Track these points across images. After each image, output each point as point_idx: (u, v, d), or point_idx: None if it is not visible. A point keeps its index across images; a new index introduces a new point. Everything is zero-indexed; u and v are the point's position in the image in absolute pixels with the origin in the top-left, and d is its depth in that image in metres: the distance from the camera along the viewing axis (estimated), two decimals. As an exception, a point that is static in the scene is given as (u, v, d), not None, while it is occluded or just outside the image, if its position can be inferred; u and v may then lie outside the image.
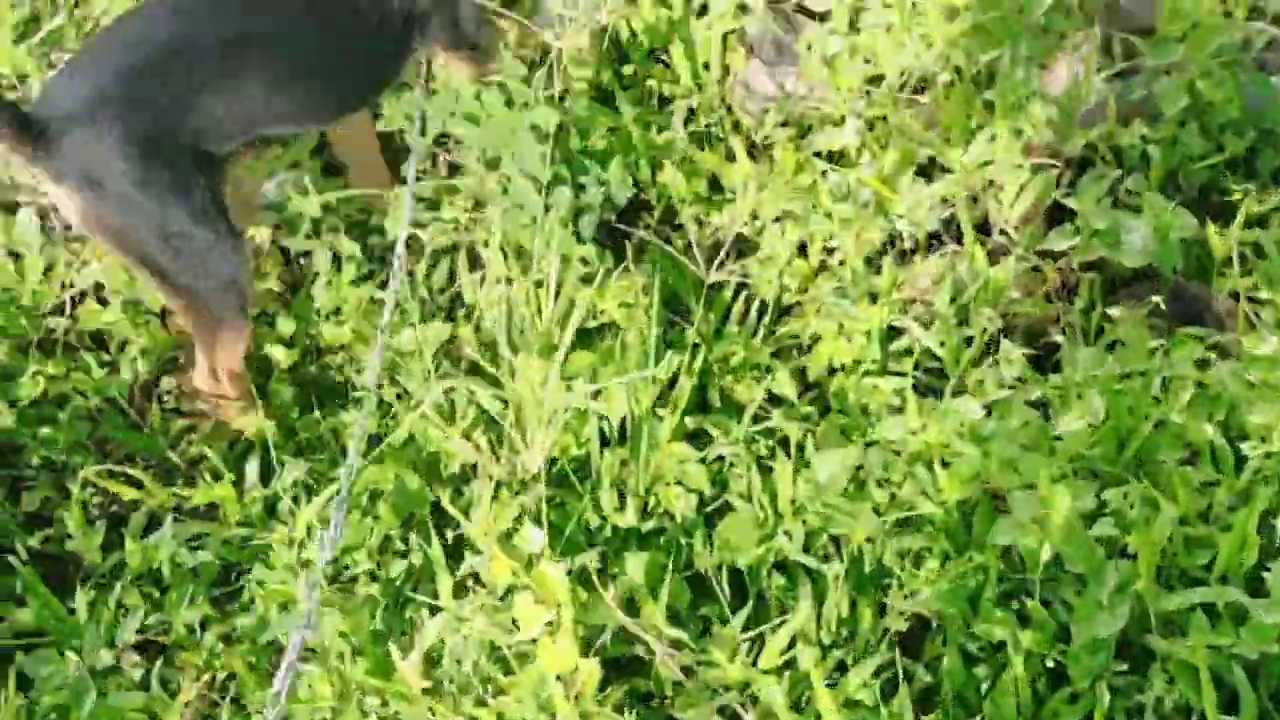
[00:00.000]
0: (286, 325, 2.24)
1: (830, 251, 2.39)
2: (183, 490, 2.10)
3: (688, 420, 2.03)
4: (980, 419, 1.93)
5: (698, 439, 2.06)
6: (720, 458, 2.00)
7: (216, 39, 1.96)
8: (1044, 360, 2.22)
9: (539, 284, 2.00)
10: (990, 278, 2.23)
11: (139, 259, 1.96)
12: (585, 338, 2.09)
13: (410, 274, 2.40)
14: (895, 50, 2.56)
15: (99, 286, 2.34)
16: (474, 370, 2.14)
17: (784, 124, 2.64)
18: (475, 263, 2.34)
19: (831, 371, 2.24)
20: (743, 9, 2.67)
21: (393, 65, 2.25)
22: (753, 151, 2.65)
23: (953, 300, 2.24)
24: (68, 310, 2.28)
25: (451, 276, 2.38)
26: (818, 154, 2.54)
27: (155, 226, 1.91)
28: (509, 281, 2.14)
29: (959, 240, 2.38)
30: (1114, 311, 2.03)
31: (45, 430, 2.16)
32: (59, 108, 1.81)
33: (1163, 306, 2.18)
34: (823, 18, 2.75)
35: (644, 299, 2.05)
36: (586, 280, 2.06)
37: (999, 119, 2.36)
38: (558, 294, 2.08)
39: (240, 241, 2.04)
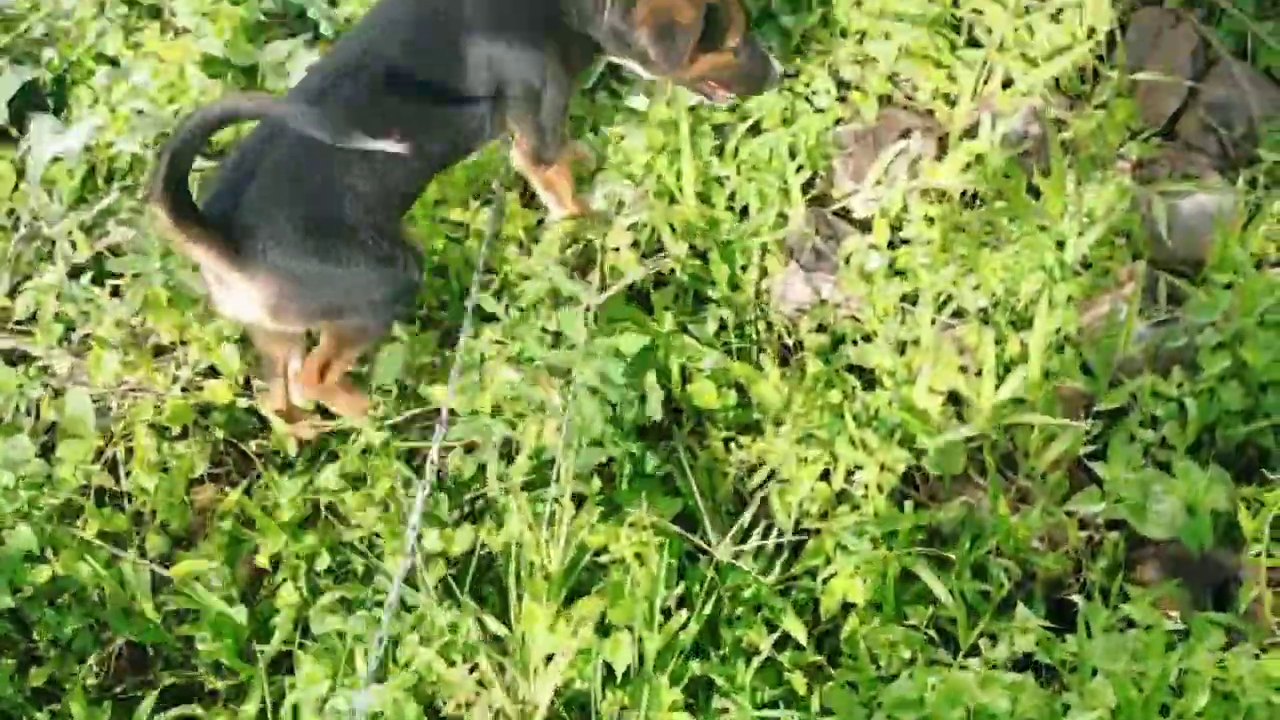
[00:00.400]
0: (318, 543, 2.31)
1: (853, 476, 2.41)
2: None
3: (693, 664, 2.05)
4: (989, 699, 1.93)
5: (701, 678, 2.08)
6: (724, 709, 2.02)
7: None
8: (1062, 611, 2.22)
9: (552, 519, 2.03)
10: (1011, 527, 2.24)
11: (328, 318, 2.26)
12: (598, 569, 2.13)
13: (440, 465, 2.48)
14: (933, 271, 2.60)
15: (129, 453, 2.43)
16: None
17: (819, 328, 2.68)
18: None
19: (846, 606, 2.25)
20: (784, 217, 2.73)
21: (476, 134, 2.39)
22: (784, 353, 2.69)
23: (973, 544, 2.25)
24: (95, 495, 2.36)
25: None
26: (849, 368, 2.58)
27: (344, 283, 2.20)
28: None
29: (983, 470, 2.40)
30: (1131, 608, 2.01)
31: (52, 612, 2.22)
32: (236, 209, 2.09)
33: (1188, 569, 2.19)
34: (864, 225, 2.81)
35: (656, 540, 2.07)
36: (604, 516, 2.10)
37: (1033, 359, 2.38)
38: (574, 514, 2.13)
39: (415, 255, 2.30)
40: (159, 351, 2.55)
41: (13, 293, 2.52)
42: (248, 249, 2.09)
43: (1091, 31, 2.89)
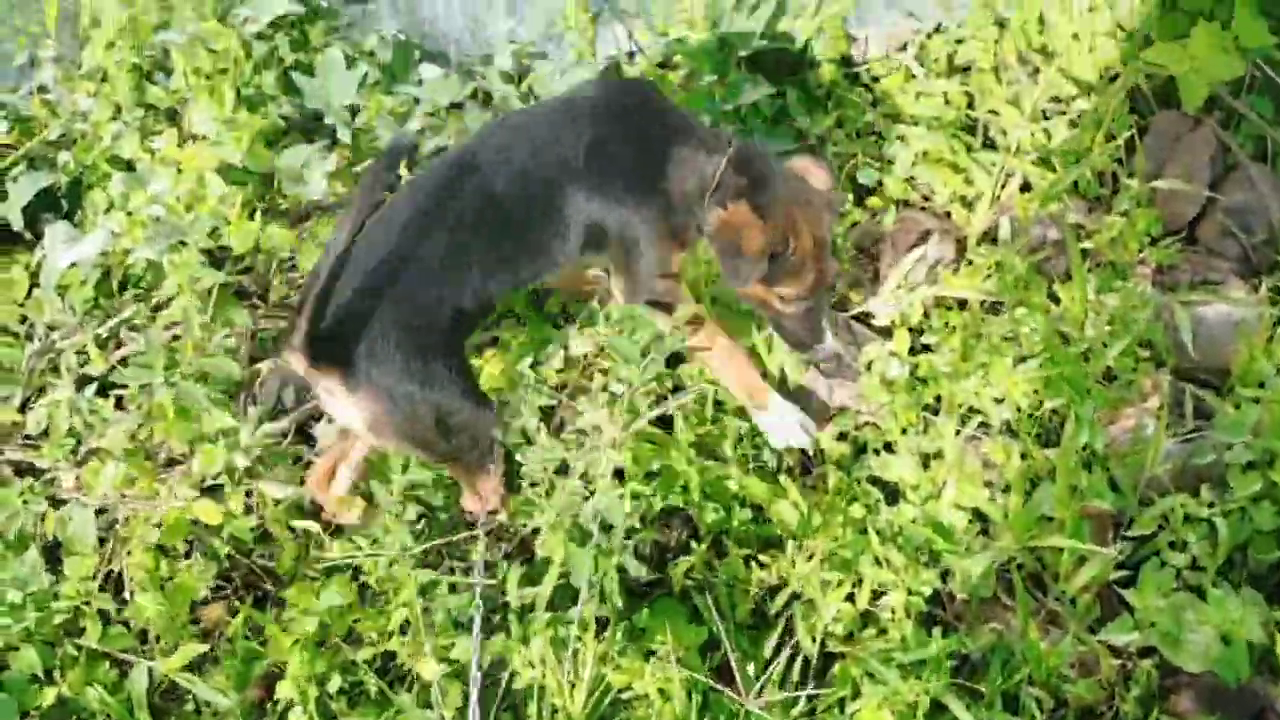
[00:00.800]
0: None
1: (879, 599, 2.36)
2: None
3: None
4: None
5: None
6: None
7: (447, 232, 2.21)
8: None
9: (575, 655, 1.99)
10: (1042, 654, 2.19)
11: (415, 446, 2.25)
12: (620, 703, 2.07)
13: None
14: (955, 381, 2.57)
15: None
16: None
17: (840, 436, 2.65)
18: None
19: (874, 737, 2.20)
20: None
21: (559, 264, 2.37)
22: (805, 462, 2.65)
23: (1004, 671, 2.20)
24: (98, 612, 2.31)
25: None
26: (872, 479, 2.54)
27: (433, 414, 2.19)
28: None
29: (1010, 588, 2.35)
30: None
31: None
32: (342, 330, 2.10)
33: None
34: (885, 331, 2.79)
35: (679, 673, 2.02)
36: (625, 649, 2.05)
37: (1061, 478, 2.34)
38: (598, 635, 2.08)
39: (489, 405, 2.29)
40: (171, 463, 2.51)
41: (24, 406, 2.49)
42: (353, 366, 2.11)
43: (1110, 136, 2.90)
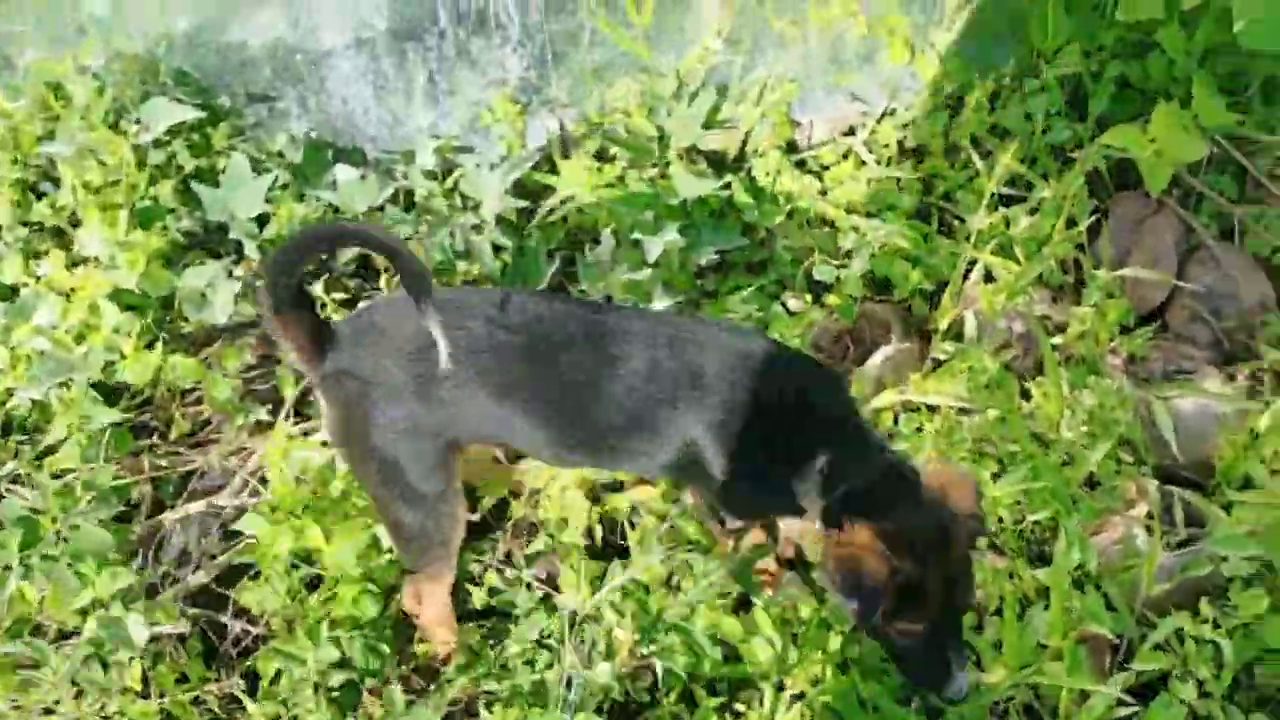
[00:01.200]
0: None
1: (865, 745, 2.18)
2: None
3: None
4: None
5: None
6: None
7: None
8: None
9: None
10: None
11: (361, 480, 2.19)
12: None
13: None
14: (932, 494, 2.42)
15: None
16: None
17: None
18: None
19: None
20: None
21: (647, 462, 2.12)
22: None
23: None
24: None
25: None
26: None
27: (374, 466, 2.05)
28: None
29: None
30: None
31: None
32: (340, 347, 2.01)
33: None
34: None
35: None
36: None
37: (1055, 603, 2.20)
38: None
39: (455, 509, 2.12)
40: (64, 635, 2.23)
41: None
42: (325, 375, 2.01)
43: (1071, 222, 2.80)
